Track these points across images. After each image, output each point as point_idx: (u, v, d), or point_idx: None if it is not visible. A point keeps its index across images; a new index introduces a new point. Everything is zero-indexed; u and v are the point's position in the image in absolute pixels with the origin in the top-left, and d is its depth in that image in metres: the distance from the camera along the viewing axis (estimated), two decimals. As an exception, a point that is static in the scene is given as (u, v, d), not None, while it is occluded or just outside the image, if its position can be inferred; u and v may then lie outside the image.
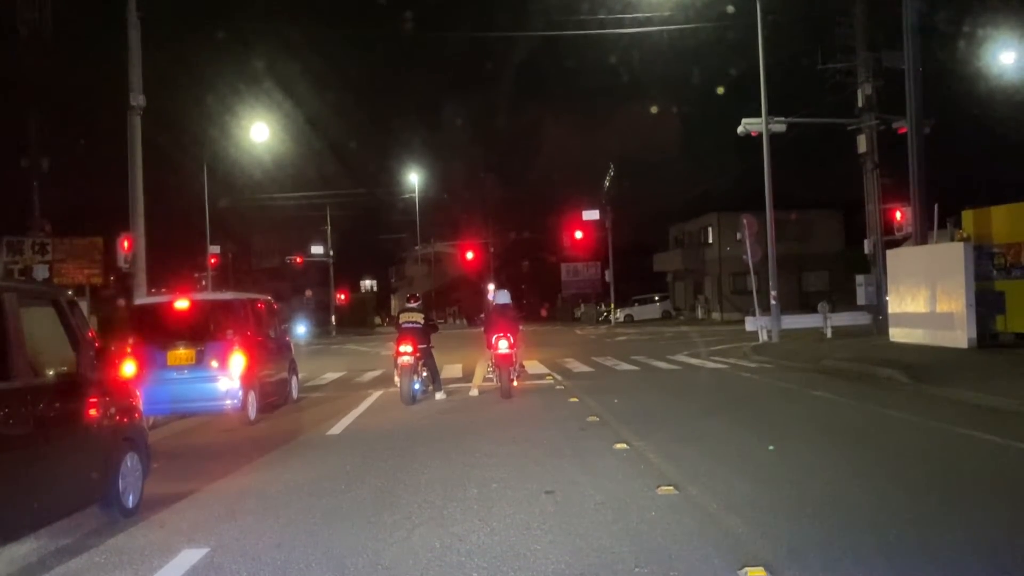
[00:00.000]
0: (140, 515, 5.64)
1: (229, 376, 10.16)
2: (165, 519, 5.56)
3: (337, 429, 9.47)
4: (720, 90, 30.26)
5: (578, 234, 46.29)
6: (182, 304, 10.97)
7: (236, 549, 4.74)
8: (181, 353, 10.22)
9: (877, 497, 5.41)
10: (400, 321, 12.35)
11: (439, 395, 12.17)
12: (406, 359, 11.68)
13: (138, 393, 6.46)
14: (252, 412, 10.47)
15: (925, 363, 13.00)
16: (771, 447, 7.22)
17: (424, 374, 12.22)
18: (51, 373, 5.19)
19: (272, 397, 11.64)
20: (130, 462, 5.76)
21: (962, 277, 15.10)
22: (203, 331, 10.52)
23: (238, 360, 10.24)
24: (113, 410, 5.66)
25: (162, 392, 9.74)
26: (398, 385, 11.90)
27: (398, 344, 11.92)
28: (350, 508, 5.58)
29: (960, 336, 15.01)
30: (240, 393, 10.17)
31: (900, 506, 5.16)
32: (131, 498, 5.69)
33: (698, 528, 4.70)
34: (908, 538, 4.46)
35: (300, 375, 14.01)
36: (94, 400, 5.45)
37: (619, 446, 7.30)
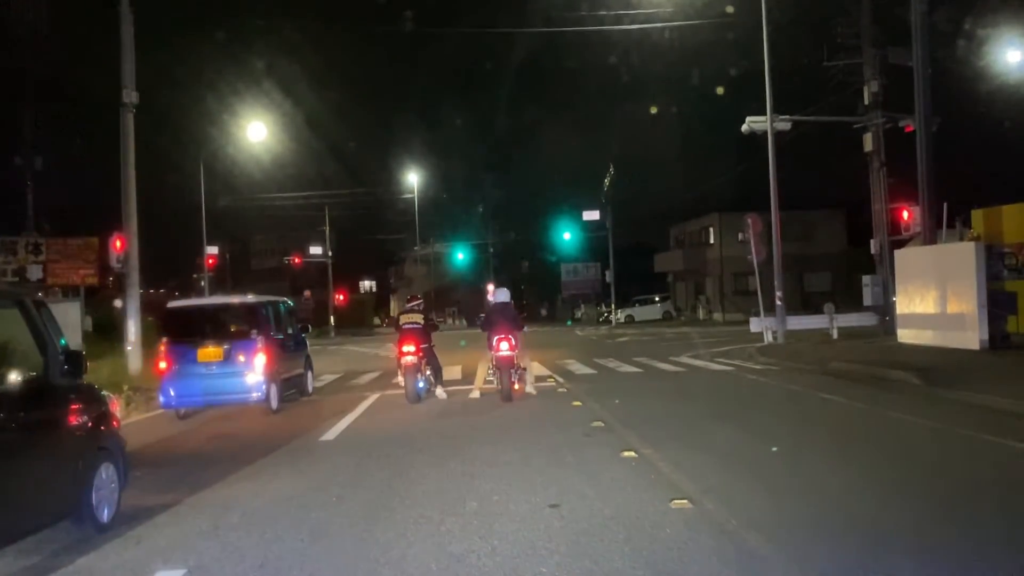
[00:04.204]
0: (116, 530, 5.27)
1: (254, 371, 11.04)
2: (142, 535, 5.18)
3: (331, 434, 9.09)
4: (721, 90, 29.87)
5: (567, 236, 45.98)
6: (210, 306, 12.53)
7: (215, 570, 4.37)
8: (210, 351, 11.11)
9: (906, 511, 5.04)
10: (401, 322, 12.48)
11: (440, 392, 12.26)
12: (410, 359, 11.81)
13: (114, 399, 6.11)
14: (275, 403, 11.39)
15: (937, 365, 12.64)
16: (774, 448, 6.95)
17: (428, 373, 12.33)
18: (16, 379, 4.80)
19: (291, 390, 12.52)
20: (105, 473, 5.39)
21: (973, 277, 14.75)
22: (230, 330, 11.46)
23: (262, 357, 11.09)
24: (86, 418, 5.29)
25: (195, 386, 10.96)
26: (403, 385, 12.01)
27: (401, 344, 12.02)
28: (341, 523, 5.21)
29: (972, 337, 14.65)
30: (264, 386, 11.08)
31: (935, 522, 4.79)
32: (106, 512, 5.32)
33: (717, 548, 4.33)
34: (949, 561, 4.09)
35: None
36: (64, 407, 5.11)
37: (626, 454, 6.93)
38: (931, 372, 11.84)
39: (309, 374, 13.75)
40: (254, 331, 11.35)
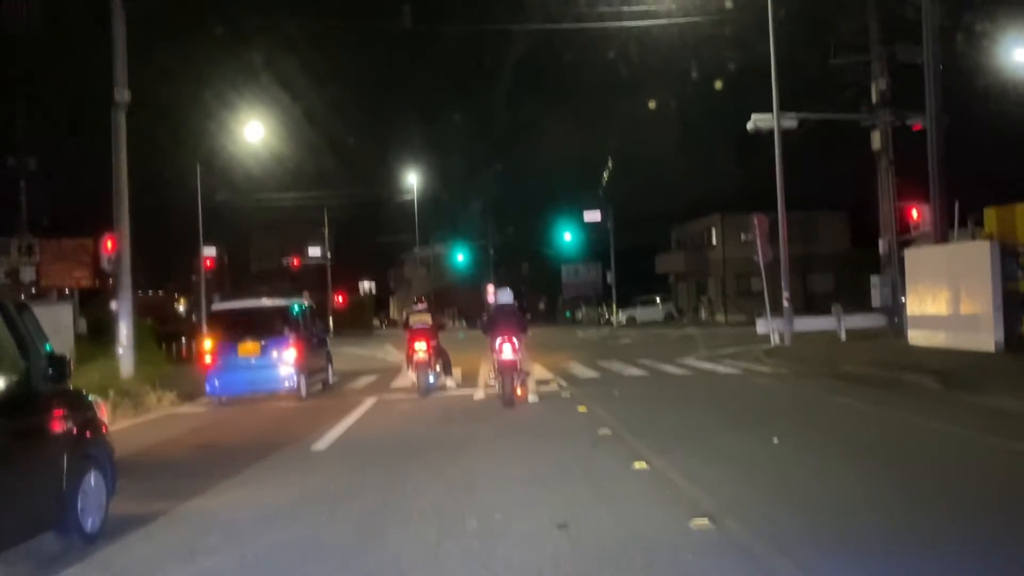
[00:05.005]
0: (81, 550, 4.84)
1: (287, 364, 12.68)
2: (111, 558, 4.74)
3: (323, 443, 8.61)
4: (723, 90, 29.25)
5: (568, 236, 45.63)
6: (249, 308, 14.11)
7: (188, 601, 3.94)
8: (249, 347, 12.71)
9: (948, 529, 4.59)
10: (411, 323, 13.43)
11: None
12: (421, 356, 12.66)
13: (102, 405, 5.77)
14: (303, 391, 12.93)
15: (953, 368, 12.19)
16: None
17: (437, 368, 13.18)
18: None
19: (316, 380, 13.99)
20: (92, 481, 5.12)
21: (988, 277, 14.32)
22: (265, 329, 12.97)
23: (293, 352, 12.73)
24: (71, 424, 5.03)
25: (236, 377, 12.64)
26: (414, 380, 12.89)
27: (412, 343, 12.90)
28: (330, 544, 4.77)
29: (986, 339, 14.21)
30: (295, 377, 12.71)
31: (980, 540, 4.35)
32: (92, 522, 5.06)
33: (746, 577, 3.89)
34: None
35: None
36: (48, 413, 4.86)
37: (638, 465, 6.47)
38: (948, 375, 11.41)
39: (330, 368, 15.32)
40: (286, 329, 12.97)
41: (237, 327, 13.11)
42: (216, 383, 12.69)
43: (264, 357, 12.72)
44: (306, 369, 13.13)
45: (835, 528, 4.72)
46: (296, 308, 13.87)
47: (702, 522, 4.77)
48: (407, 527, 5.03)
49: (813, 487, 5.79)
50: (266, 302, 14.69)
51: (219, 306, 15.16)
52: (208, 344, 12.97)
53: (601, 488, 5.82)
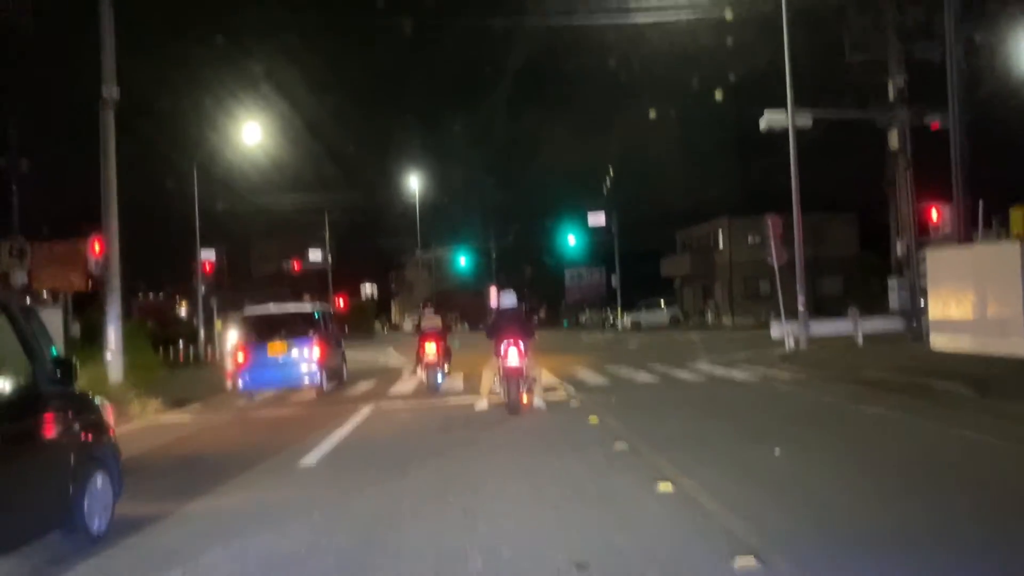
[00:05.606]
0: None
1: (311, 362, 14.04)
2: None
3: (312, 458, 7.85)
4: (729, 94, 28.57)
5: (572, 240, 45.03)
6: (277, 313, 15.55)
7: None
8: (278, 346, 14.12)
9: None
10: (422, 327, 14.60)
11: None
12: (431, 357, 13.79)
13: (109, 407, 5.63)
14: (325, 386, 14.38)
15: (985, 374, 11.46)
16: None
17: (446, 368, 14.58)
18: (1, 387, 4.61)
19: (334, 376, 15.41)
20: (99, 483, 5.12)
21: (1018, 279, 13.61)
22: (292, 330, 14.37)
23: (316, 351, 14.10)
24: (77, 426, 5.05)
25: (266, 374, 13.95)
26: (423, 379, 14.12)
27: (423, 343, 13.98)
28: (308, 588, 4.07)
29: (1017, 344, 13.48)
30: (318, 374, 14.11)
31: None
32: (98, 523, 5.03)
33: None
34: None
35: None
36: (54, 416, 4.82)
37: (662, 487, 5.71)
38: (981, 382, 10.68)
39: (344, 365, 16.76)
40: (310, 331, 14.37)
41: (266, 329, 14.51)
42: (248, 379, 13.82)
43: (290, 355, 14.05)
44: (327, 367, 14.44)
45: (904, 563, 4.00)
46: (318, 312, 15.50)
47: (747, 561, 4.02)
48: (399, 564, 4.31)
49: (866, 511, 5.06)
50: (291, 307, 16.57)
51: (250, 311, 16.35)
52: (240, 344, 14.43)
53: (622, 515, 5.09)
